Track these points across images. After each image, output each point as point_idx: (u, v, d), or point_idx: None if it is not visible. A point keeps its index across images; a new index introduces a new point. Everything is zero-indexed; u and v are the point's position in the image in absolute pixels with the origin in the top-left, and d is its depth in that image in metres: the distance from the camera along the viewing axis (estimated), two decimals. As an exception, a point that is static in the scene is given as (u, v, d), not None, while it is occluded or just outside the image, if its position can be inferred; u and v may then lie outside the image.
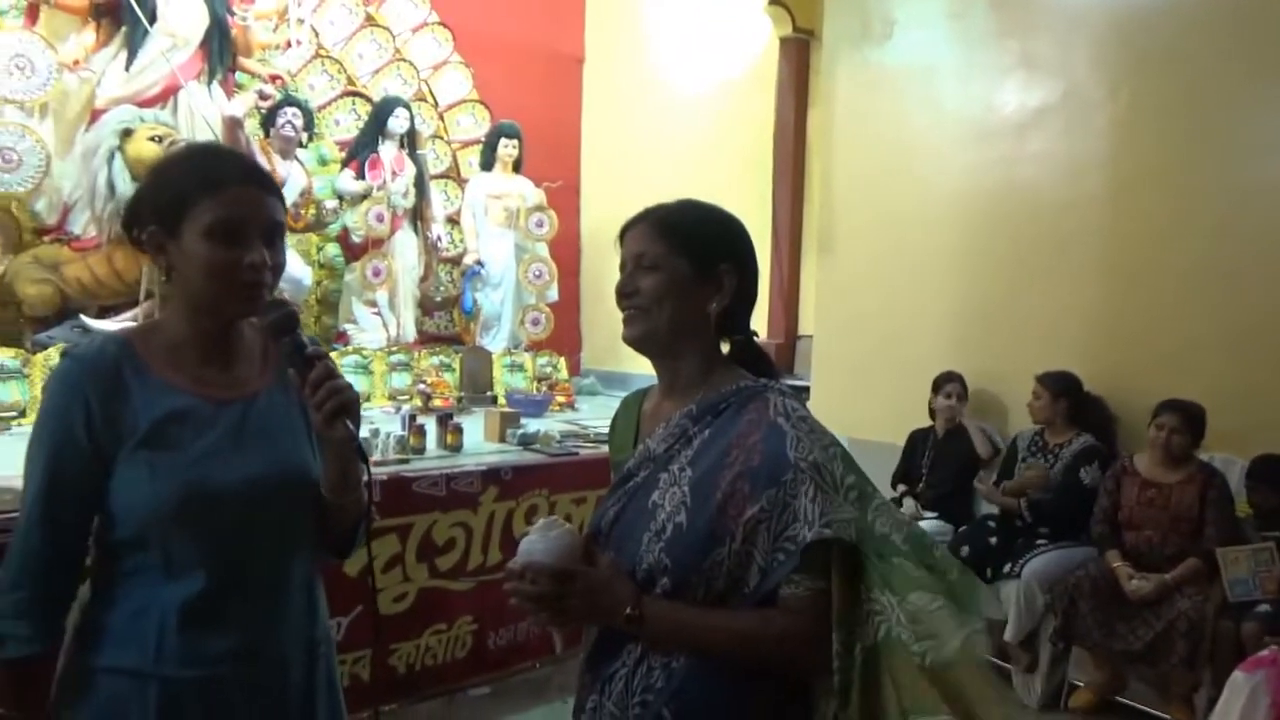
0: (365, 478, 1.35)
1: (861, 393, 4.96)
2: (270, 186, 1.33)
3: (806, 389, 5.18)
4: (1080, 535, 3.85)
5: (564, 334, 6.94)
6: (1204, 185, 3.96)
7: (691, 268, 1.28)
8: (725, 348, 1.36)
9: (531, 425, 4.45)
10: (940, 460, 4.42)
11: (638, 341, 1.31)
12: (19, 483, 2.75)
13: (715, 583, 1.19)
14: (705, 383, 1.31)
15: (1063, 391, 4.01)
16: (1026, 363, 4.29)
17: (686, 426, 1.28)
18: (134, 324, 1.29)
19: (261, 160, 5.10)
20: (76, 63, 4.60)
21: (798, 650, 1.19)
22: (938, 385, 4.44)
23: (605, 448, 4.13)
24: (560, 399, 5.88)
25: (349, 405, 1.28)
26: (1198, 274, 3.98)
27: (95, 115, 4.62)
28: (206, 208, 1.24)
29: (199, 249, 1.24)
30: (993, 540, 3.98)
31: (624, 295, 1.30)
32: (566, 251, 7.17)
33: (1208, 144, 3.95)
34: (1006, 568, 3.82)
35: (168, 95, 4.76)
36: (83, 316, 4.61)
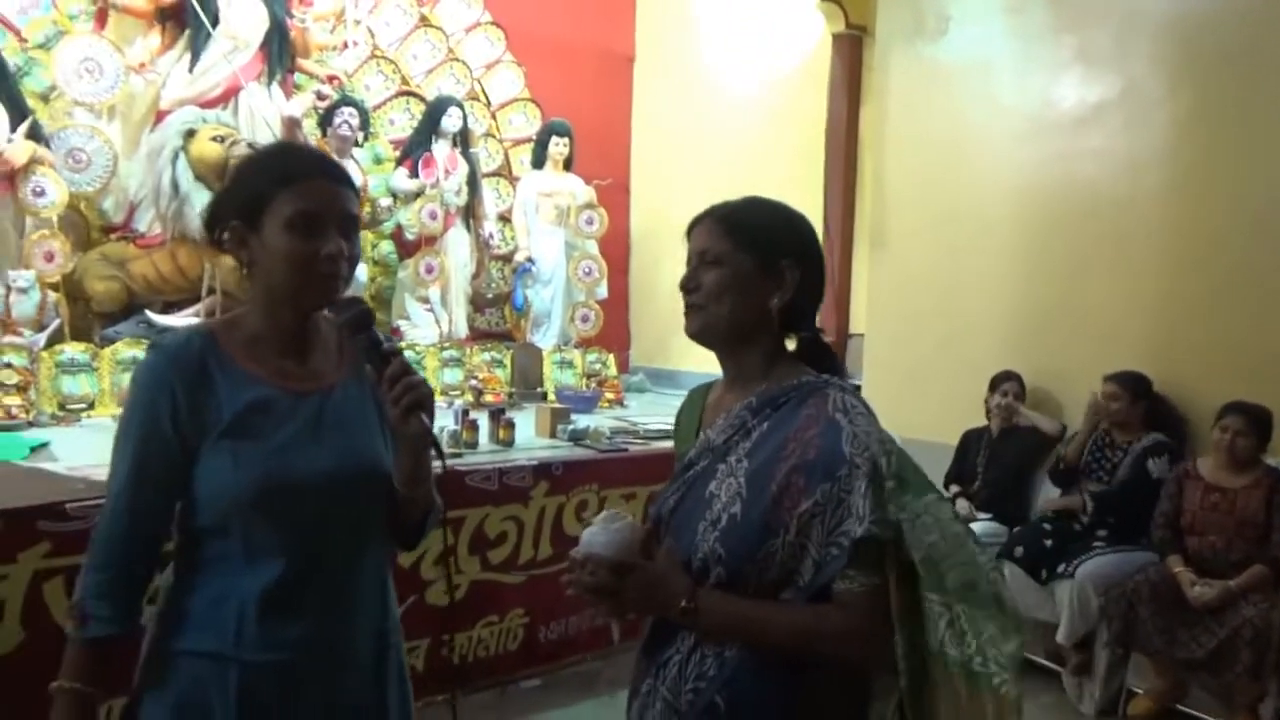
0: (440, 470, 1.39)
1: (914, 391, 4.90)
2: (345, 179, 1.37)
3: (858, 387, 5.14)
4: (1139, 539, 3.77)
5: (613, 331, 6.97)
6: (1265, 185, 3.85)
7: (754, 263, 1.29)
8: (792, 344, 1.37)
9: (581, 421, 4.49)
10: (995, 459, 4.36)
11: (697, 335, 1.32)
12: (96, 472, 2.86)
13: (768, 573, 1.20)
14: (767, 377, 1.31)
15: (1142, 393, 3.94)
16: (1085, 362, 4.21)
17: (746, 418, 1.29)
18: (214, 318, 1.35)
19: (320, 159, 5.21)
20: (143, 65, 4.74)
21: (852, 646, 1.20)
22: (995, 384, 4.38)
23: (655, 444, 4.22)
24: (609, 395, 5.92)
25: (424, 400, 1.32)
26: (1260, 274, 3.87)
27: (160, 116, 4.76)
28: (286, 200, 1.29)
29: (279, 241, 1.29)
30: (1048, 543, 3.91)
31: (686, 290, 1.31)
32: (616, 249, 7.20)
33: (1269, 143, 3.84)
34: (1061, 568, 3.76)
35: (229, 96, 4.88)
36: (148, 312, 4.76)
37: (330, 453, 1.34)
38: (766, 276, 1.29)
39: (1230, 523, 3.47)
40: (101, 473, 2.91)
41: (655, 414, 5.39)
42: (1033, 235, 4.62)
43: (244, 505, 1.28)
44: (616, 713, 3.50)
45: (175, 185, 4.58)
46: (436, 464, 1.41)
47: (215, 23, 4.79)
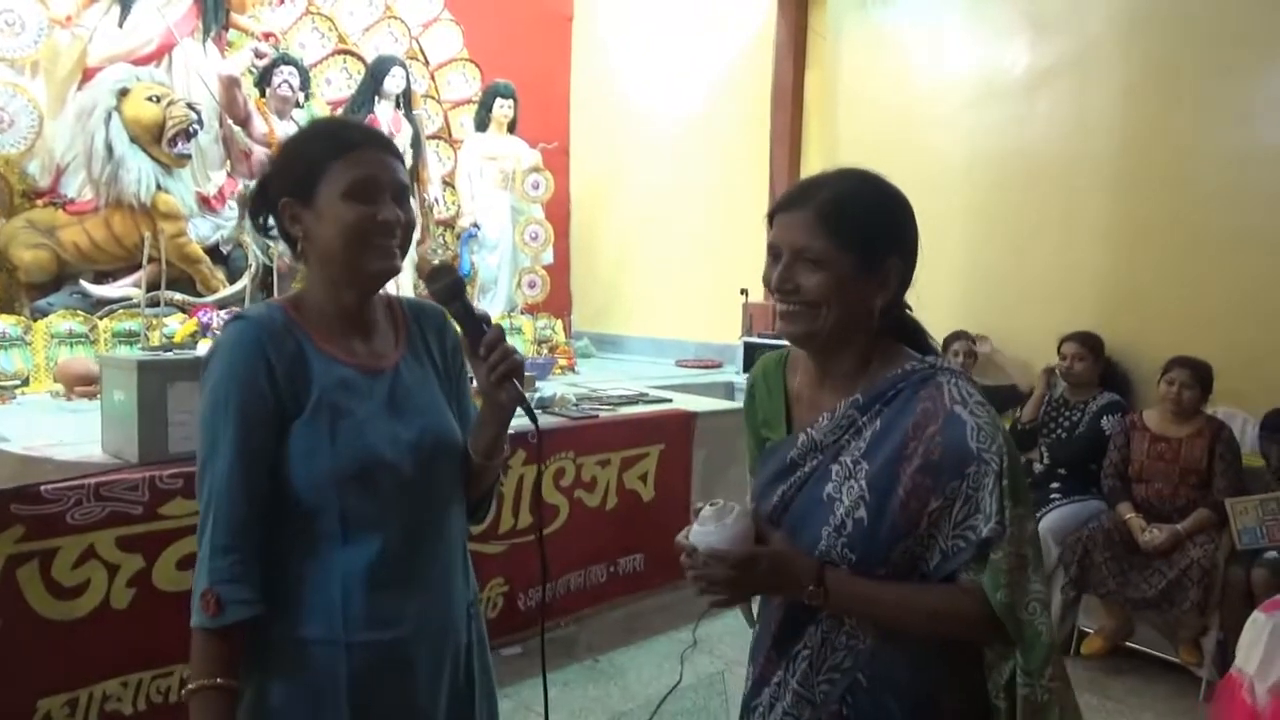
0: (536, 433, 1.47)
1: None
2: (394, 149, 1.37)
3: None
4: (1091, 489, 3.97)
5: (555, 296, 6.91)
6: (1212, 147, 4.05)
7: (857, 264, 1.20)
8: None
9: (546, 389, 4.46)
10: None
11: (798, 341, 1.28)
12: (58, 452, 2.73)
13: (898, 566, 1.20)
14: (866, 369, 1.27)
15: (1100, 352, 4.13)
16: (1035, 322, 4.39)
17: (855, 417, 1.25)
18: (279, 296, 1.33)
19: (259, 120, 4.99)
20: (68, 19, 4.44)
21: (983, 630, 1.18)
22: (946, 344, 4.52)
23: (622, 410, 4.22)
24: (562, 362, 5.88)
25: (519, 368, 1.33)
26: (1205, 235, 4.08)
27: (88, 74, 4.48)
28: (340, 170, 1.28)
29: (336, 210, 1.27)
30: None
31: (782, 291, 1.23)
32: (557, 213, 7.12)
33: (1216, 106, 4.03)
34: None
35: (162, 53, 4.62)
36: (82, 282, 4.51)
37: (411, 428, 1.34)
38: (870, 276, 1.22)
39: (1175, 470, 3.69)
40: (62, 452, 2.81)
41: (609, 380, 5.40)
42: (984, 198, 4.75)
43: (342, 481, 1.27)
44: (599, 676, 3.56)
45: (109, 147, 4.32)
46: (529, 426, 1.43)
47: (144, -26, 4.52)
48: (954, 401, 1.19)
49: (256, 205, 1.37)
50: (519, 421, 1.45)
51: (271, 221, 1.36)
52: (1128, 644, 3.78)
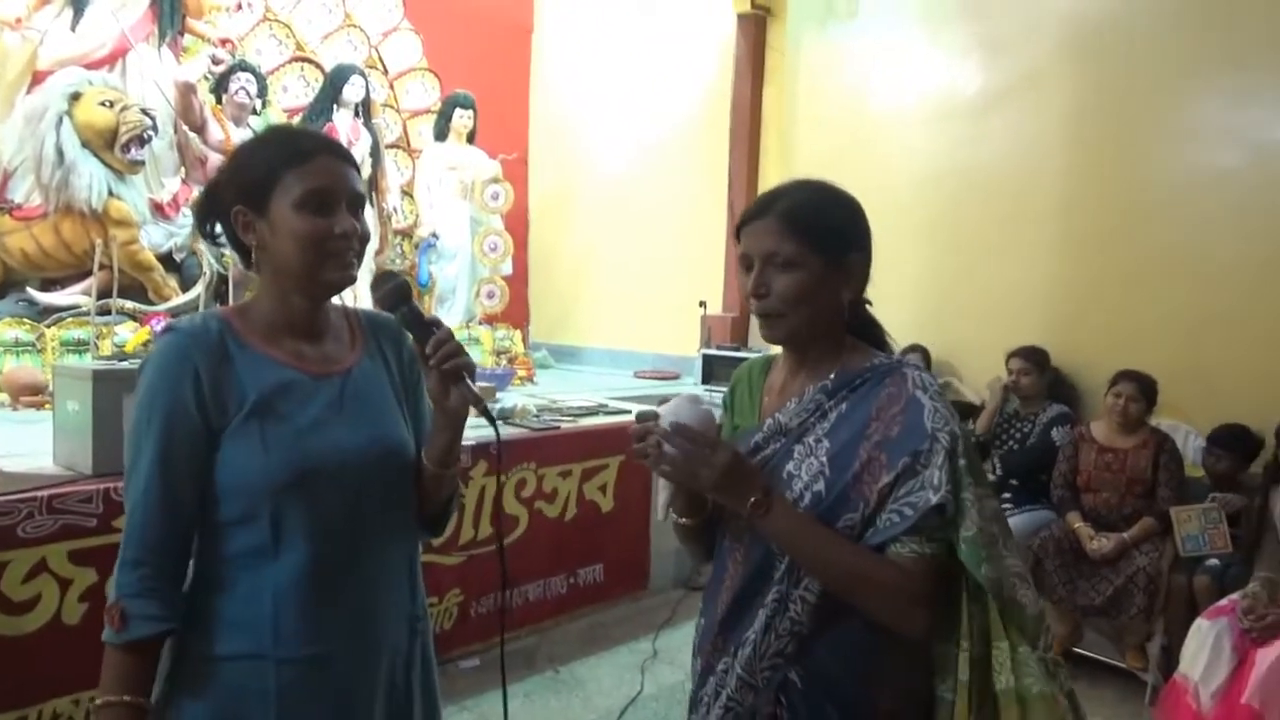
0: (496, 442, 1.39)
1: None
2: (349, 158, 1.35)
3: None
4: (1041, 499, 4.07)
5: (514, 307, 6.90)
6: (1157, 169, 4.19)
7: (824, 263, 1.28)
8: None
9: (506, 400, 4.45)
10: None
11: (778, 341, 1.34)
12: (4, 463, 2.66)
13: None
14: (837, 360, 1.34)
15: (1046, 366, 4.25)
16: (986, 337, 4.49)
17: (821, 401, 1.31)
18: (224, 306, 1.33)
19: (215, 127, 4.92)
20: (18, 21, 4.34)
21: (897, 603, 1.21)
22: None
23: (583, 421, 4.23)
24: (521, 373, 5.87)
25: (469, 367, 1.32)
26: (1149, 253, 4.22)
27: (38, 77, 4.38)
28: (295, 180, 1.26)
29: (290, 221, 1.26)
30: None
31: (757, 296, 1.30)
32: (516, 224, 7.12)
33: (1161, 130, 4.18)
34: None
35: (116, 58, 4.54)
36: (29, 289, 4.41)
37: (356, 433, 1.32)
38: (836, 273, 1.30)
39: (1121, 480, 3.80)
40: (11, 463, 2.74)
41: (569, 391, 5.40)
42: (937, 215, 4.86)
43: (276, 489, 1.24)
44: (559, 687, 3.56)
45: (59, 152, 4.23)
46: (488, 431, 1.38)
47: (98, -23, 4.44)
48: (916, 387, 1.26)
49: (205, 212, 1.35)
50: (482, 432, 1.44)
51: (220, 229, 1.34)
52: (1076, 649, 3.87)
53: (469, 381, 1.31)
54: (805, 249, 1.27)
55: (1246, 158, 3.98)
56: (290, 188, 1.25)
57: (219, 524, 1.26)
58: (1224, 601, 3.12)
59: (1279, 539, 3.15)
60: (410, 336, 1.38)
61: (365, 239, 1.33)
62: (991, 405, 4.33)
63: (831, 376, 1.32)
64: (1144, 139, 4.23)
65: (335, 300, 1.40)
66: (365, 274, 5.72)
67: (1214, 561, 3.50)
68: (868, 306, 1.40)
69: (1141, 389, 3.80)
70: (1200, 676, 2.92)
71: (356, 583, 1.31)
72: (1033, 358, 4.25)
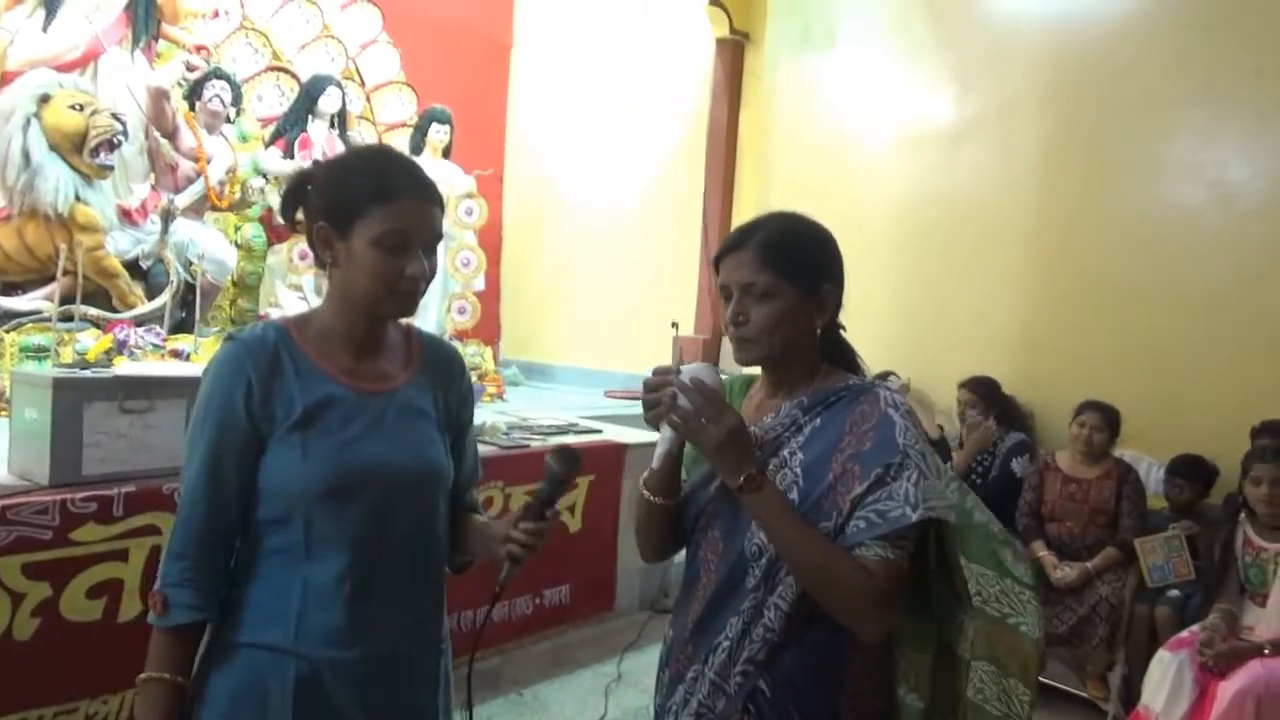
0: (500, 583, 1.39)
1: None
2: (437, 199, 1.39)
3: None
4: (1008, 527, 4.09)
5: (485, 323, 6.88)
6: (1123, 203, 4.27)
7: (798, 293, 1.34)
8: None
9: (475, 417, 4.41)
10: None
11: (752, 364, 1.39)
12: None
13: None
14: (813, 382, 1.39)
15: (995, 397, 4.27)
16: (956, 364, 4.53)
17: (797, 416, 1.36)
18: (288, 316, 1.40)
19: (187, 134, 4.87)
20: (-12, 20, 4.28)
21: (860, 603, 1.24)
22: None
23: (553, 440, 4.20)
24: (491, 390, 5.84)
25: (518, 561, 1.36)
26: (1114, 285, 4.29)
27: (7, 78, 4.31)
28: (379, 218, 1.31)
29: (366, 254, 1.32)
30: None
31: (736, 324, 1.36)
32: (490, 240, 7.11)
33: (1129, 164, 4.26)
34: (938, 559, 4.04)
35: (88, 60, 4.48)
36: (-9, 293, 4.31)
37: (392, 449, 1.37)
38: (810, 302, 1.36)
39: (1085, 510, 3.83)
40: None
41: (540, 408, 5.37)
42: (909, 243, 4.91)
43: (310, 496, 1.31)
44: (523, 710, 3.51)
45: (26, 155, 4.15)
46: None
47: (73, -21, 4.39)
48: (889, 406, 1.31)
49: (294, 200, 1.41)
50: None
51: (301, 218, 1.40)
52: (1039, 678, 3.89)
53: (512, 566, 1.36)
54: (781, 280, 1.33)
55: (1210, 194, 4.07)
56: (373, 223, 1.31)
57: (259, 522, 1.34)
58: (1185, 633, 3.15)
59: (1240, 570, 3.19)
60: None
61: (433, 277, 1.39)
62: (970, 449, 4.25)
63: (807, 394, 1.37)
64: (1111, 173, 4.31)
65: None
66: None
67: (1175, 592, 3.54)
68: (841, 332, 1.45)
69: (1105, 419, 3.85)
70: (1162, 709, 2.94)
71: (384, 595, 1.36)
72: (978, 389, 4.28)
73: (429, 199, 1.37)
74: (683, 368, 1.33)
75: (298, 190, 1.41)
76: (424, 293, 1.38)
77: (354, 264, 1.33)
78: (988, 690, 1.29)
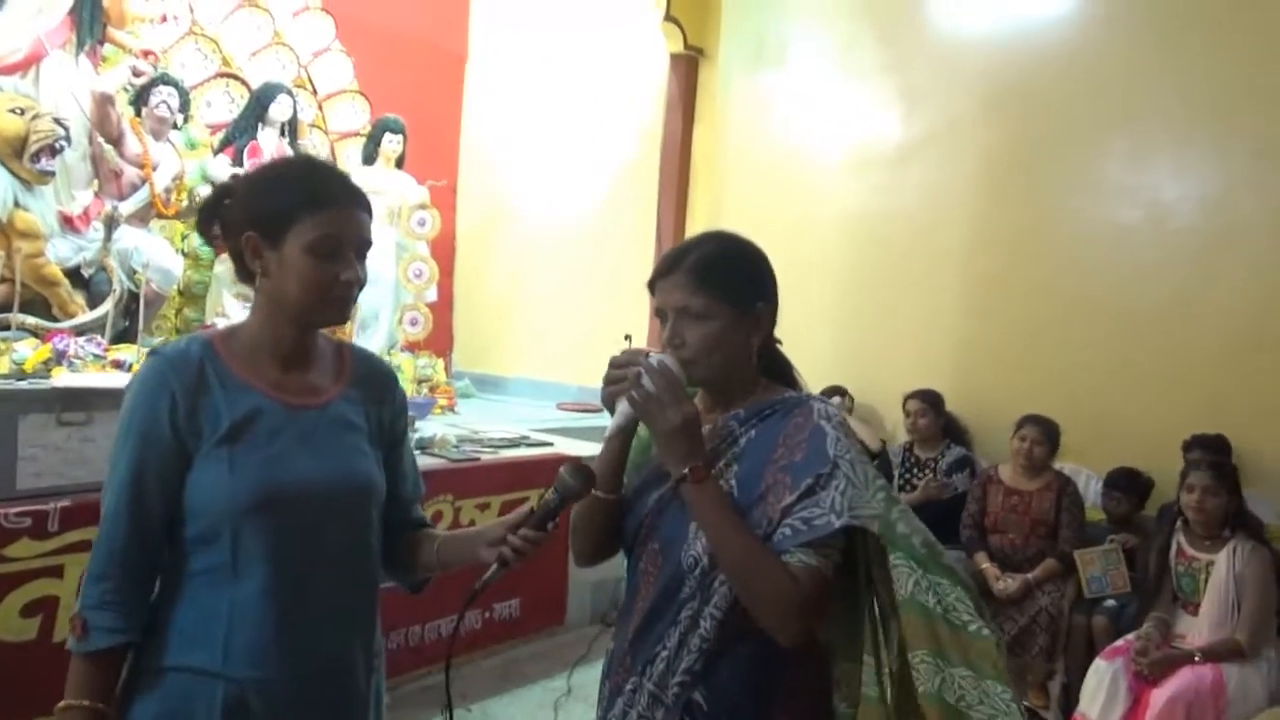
0: (482, 584, 1.37)
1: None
2: (367, 206, 1.40)
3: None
4: (950, 539, 4.17)
5: (437, 335, 6.83)
6: (1062, 220, 4.40)
7: (733, 313, 1.37)
8: None
9: (425, 429, 4.39)
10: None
11: (695, 385, 1.41)
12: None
13: None
14: (750, 396, 1.42)
15: (941, 408, 4.37)
16: (899, 378, 4.62)
17: (733, 428, 1.39)
18: (214, 329, 1.42)
19: (133, 140, 4.78)
20: (-76, 21, 4.16)
21: (782, 604, 1.26)
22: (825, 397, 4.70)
23: (504, 453, 4.19)
24: (442, 402, 5.80)
25: (507, 565, 1.36)
26: (1053, 301, 4.41)
27: (-57, 80, 4.20)
28: (312, 224, 1.31)
29: (299, 261, 1.31)
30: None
31: (673, 346, 1.38)
32: (443, 251, 7.06)
33: (1067, 184, 4.40)
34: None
35: (30, 64, 4.36)
36: (-77, 303, 4.18)
37: (321, 464, 1.36)
38: (745, 321, 1.39)
39: (1026, 522, 3.93)
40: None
41: (491, 421, 5.35)
42: (857, 258, 5.00)
43: (237, 513, 1.28)
44: (472, 724, 3.47)
45: (-37, 159, 4.05)
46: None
47: (15, -19, 4.28)
48: (821, 418, 1.35)
49: (210, 214, 1.39)
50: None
51: (219, 232, 1.39)
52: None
53: (499, 569, 1.36)
54: (714, 301, 1.36)
55: (1142, 214, 4.21)
56: (306, 230, 1.31)
57: (185, 541, 1.31)
58: (1120, 642, 3.25)
59: (1175, 580, 3.29)
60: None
61: (363, 285, 1.39)
62: (919, 496, 4.28)
63: (744, 407, 1.40)
64: (1049, 193, 4.44)
65: (327, 332, 1.46)
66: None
67: (1111, 602, 3.65)
68: (779, 346, 1.48)
69: (1045, 432, 3.96)
70: (1098, 715, 3.03)
71: (312, 614, 1.34)
72: (928, 399, 4.39)
73: (360, 206, 1.38)
74: (651, 354, 1.35)
75: (215, 204, 1.40)
76: (355, 299, 1.39)
77: (286, 271, 1.32)
78: (969, 696, 1.30)
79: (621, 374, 1.34)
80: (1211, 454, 3.54)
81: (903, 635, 1.33)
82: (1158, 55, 4.16)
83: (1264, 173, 3.89)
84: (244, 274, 1.37)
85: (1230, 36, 3.98)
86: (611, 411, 1.39)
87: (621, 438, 1.41)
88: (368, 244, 1.38)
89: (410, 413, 4.72)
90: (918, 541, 1.33)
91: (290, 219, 1.31)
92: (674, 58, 6.13)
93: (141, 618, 1.30)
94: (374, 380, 1.49)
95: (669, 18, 5.91)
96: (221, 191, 1.41)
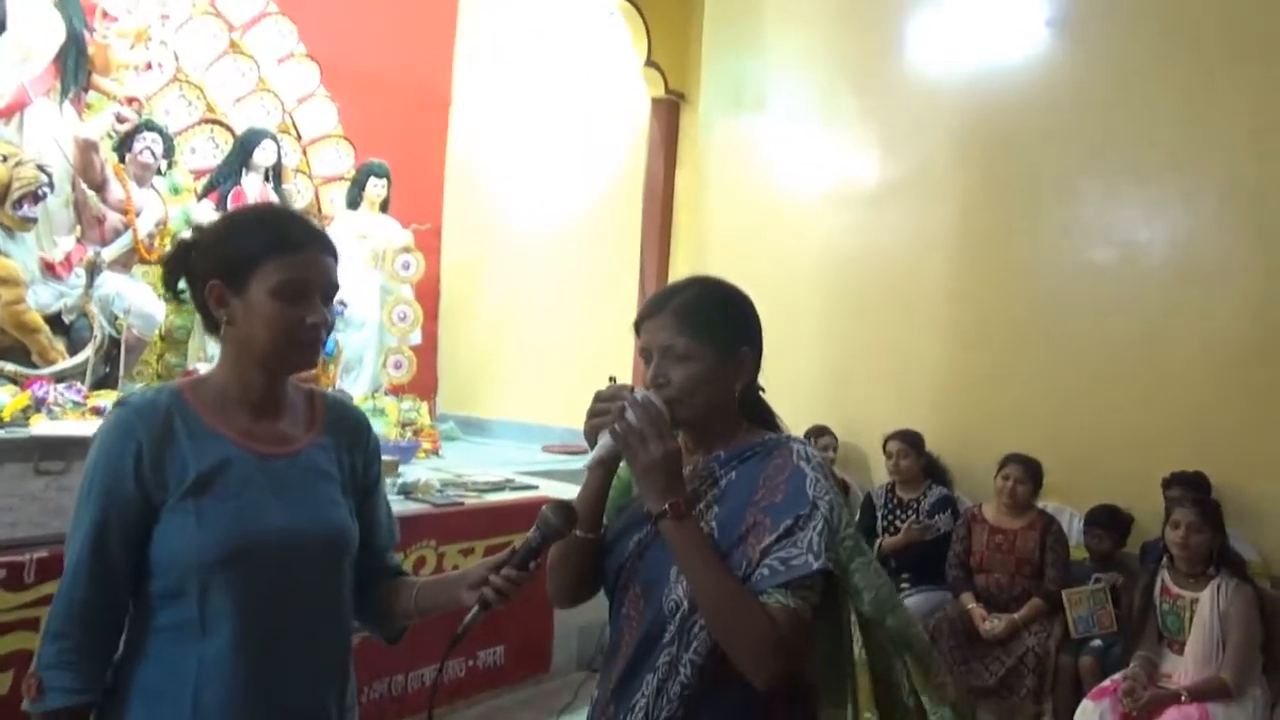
0: (463, 627, 1.34)
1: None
2: (333, 250, 1.40)
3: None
4: (937, 579, 4.16)
5: (422, 378, 6.81)
6: (1039, 260, 4.47)
7: (717, 356, 1.38)
8: None
9: (408, 473, 4.36)
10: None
11: (675, 425, 1.39)
12: None
13: None
14: (731, 439, 1.43)
15: (922, 449, 4.38)
16: (880, 419, 4.64)
17: (714, 469, 1.40)
18: (183, 378, 1.40)
19: (116, 186, 4.79)
20: (-92, 69, 4.18)
21: (761, 649, 1.25)
22: (810, 438, 4.70)
23: (488, 497, 4.17)
24: (426, 445, 5.77)
25: (488, 608, 1.32)
26: (1032, 340, 4.46)
27: (-73, 128, 4.20)
28: (277, 268, 1.31)
29: (265, 306, 1.30)
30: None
31: (657, 386, 1.38)
32: (427, 294, 7.08)
33: (1041, 226, 4.48)
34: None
35: (13, 111, 4.37)
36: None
37: (294, 513, 1.33)
38: (729, 364, 1.40)
39: (1011, 561, 3.93)
40: None
41: (475, 464, 5.32)
42: (838, 300, 5.05)
43: (205, 566, 1.25)
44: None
45: (-56, 206, 4.04)
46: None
47: (1, 29, 4.31)
48: (800, 459, 1.36)
49: (176, 268, 1.39)
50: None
51: (184, 287, 1.38)
52: (971, 733, 3.94)
53: (481, 611, 1.32)
54: (699, 343, 1.37)
55: (1116, 254, 4.28)
56: (271, 273, 1.30)
57: (149, 596, 1.28)
58: (1107, 682, 3.24)
59: (1160, 618, 3.29)
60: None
61: (331, 328, 1.39)
62: (902, 540, 4.27)
63: (725, 449, 1.41)
64: (1024, 235, 4.51)
65: (296, 380, 1.44)
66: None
67: (1098, 642, 3.64)
68: (760, 392, 1.49)
69: (1028, 471, 3.97)
70: (1086, 757, 3.00)
71: (283, 667, 1.31)
72: (908, 439, 4.40)
73: (325, 250, 1.37)
74: (636, 390, 1.35)
75: (182, 257, 1.39)
76: (324, 342, 1.38)
77: (252, 317, 1.31)
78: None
79: (606, 407, 1.34)
80: (1191, 491, 3.56)
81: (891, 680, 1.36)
82: (1128, 101, 4.26)
83: (1235, 214, 3.96)
84: (210, 323, 1.36)
85: (1197, 83, 4.08)
86: (593, 445, 1.38)
87: (602, 470, 1.41)
88: (334, 288, 1.38)
89: (394, 457, 4.70)
90: (868, 598, 1.34)
91: (254, 264, 1.30)
92: (655, 102, 6.22)
93: (100, 677, 1.27)
94: (346, 427, 1.47)
95: (650, 63, 6.01)
96: (185, 245, 1.40)
